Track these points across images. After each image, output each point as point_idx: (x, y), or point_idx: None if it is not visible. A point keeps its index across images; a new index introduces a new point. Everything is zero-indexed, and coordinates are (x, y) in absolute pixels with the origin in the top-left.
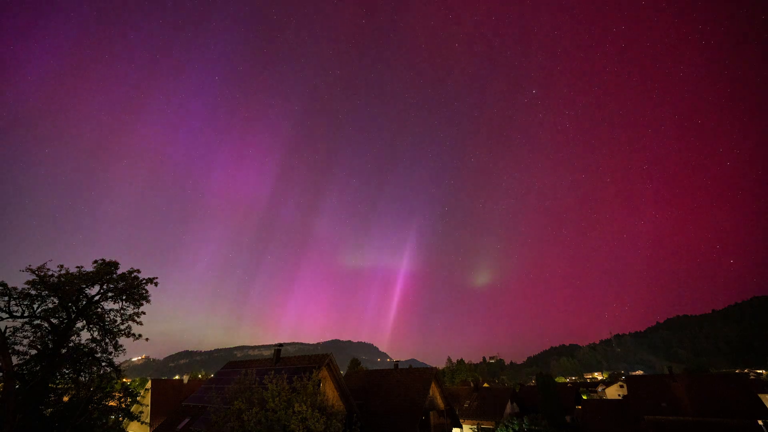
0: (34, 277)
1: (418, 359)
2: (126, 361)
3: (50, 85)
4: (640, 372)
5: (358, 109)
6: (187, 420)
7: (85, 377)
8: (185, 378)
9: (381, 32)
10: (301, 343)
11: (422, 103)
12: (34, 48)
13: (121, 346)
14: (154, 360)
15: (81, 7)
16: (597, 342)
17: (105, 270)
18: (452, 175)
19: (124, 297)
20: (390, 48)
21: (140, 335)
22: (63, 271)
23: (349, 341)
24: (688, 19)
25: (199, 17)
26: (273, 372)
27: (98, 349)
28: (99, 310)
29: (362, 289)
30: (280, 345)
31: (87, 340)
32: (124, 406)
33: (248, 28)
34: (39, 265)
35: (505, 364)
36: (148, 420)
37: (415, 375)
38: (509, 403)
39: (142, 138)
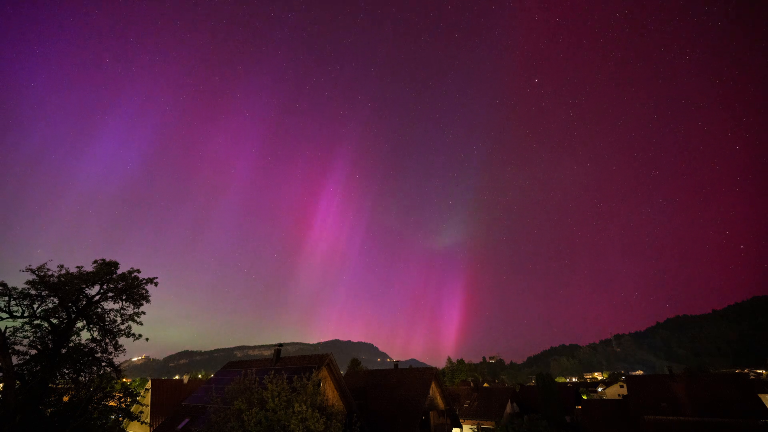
0: (34, 277)
1: (418, 359)
2: (126, 361)
3: (50, 85)
4: (640, 372)
5: (358, 106)
6: (187, 420)
7: (85, 377)
8: (185, 378)
9: (379, 27)
10: (301, 343)
11: (423, 97)
12: (35, 51)
13: (121, 346)
14: (154, 360)
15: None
16: (597, 342)
17: (105, 270)
18: (454, 168)
19: (124, 297)
20: (389, 43)
21: (140, 335)
22: (63, 271)
23: (349, 341)
24: (693, 4)
25: (191, 18)
26: (273, 372)
27: (98, 349)
28: (99, 310)
29: (362, 289)
30: (280, 345)
31: (87, 340)
32: (124, 406)
33: (247, 28)
34: (39, 265)
35: (505, 364)
36: (148, 420)
37: (415, 375)
38: (509, 403)
39: (145, 137)
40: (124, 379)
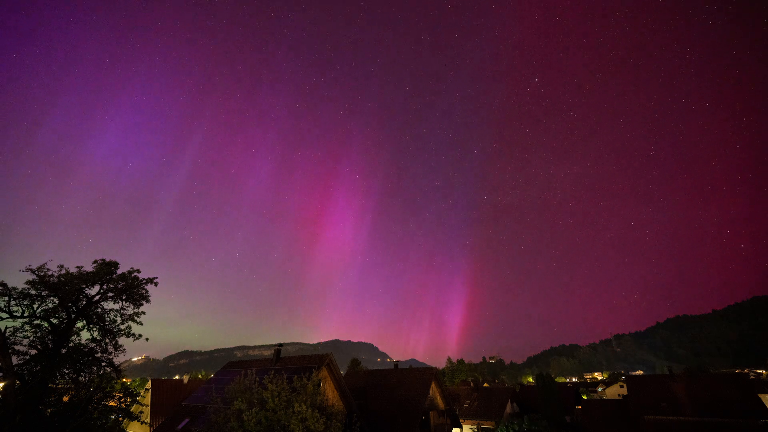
0: (34, 277)
1: (418, 359)
2: (126, 361)
3: (52, 86)
4: (640, 372)
5: (357, 107)
6: (187, 420)
7: (85, 377)
8: (185, 378)
9: (379, 27)
10: (301, 343)
11: (424, 95)
12: (36, 51)
13: (121, 346)
14: (154, 360)
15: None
16: (597, 342)
17: (105, 270)
18: (455, 168)
19: (124, 297)
20: (389, 43)
21: (140, 335)
22: (63, 271)
23: (349, 341)
24: (693, 4)
25: (195, 16)
26: (273, 372)
27: (98, 349)
28: (99, 310)
29: (363, 289)
30: (280, 345)
31: (87, 340)
32: (124, 406)
33: (249, 29)
34: (39, 265)
35: (505, 364)
36: (148, 420)
37: (415, 375)
38: (509, 403)
39: (146, 137)
40: (124, 379)
